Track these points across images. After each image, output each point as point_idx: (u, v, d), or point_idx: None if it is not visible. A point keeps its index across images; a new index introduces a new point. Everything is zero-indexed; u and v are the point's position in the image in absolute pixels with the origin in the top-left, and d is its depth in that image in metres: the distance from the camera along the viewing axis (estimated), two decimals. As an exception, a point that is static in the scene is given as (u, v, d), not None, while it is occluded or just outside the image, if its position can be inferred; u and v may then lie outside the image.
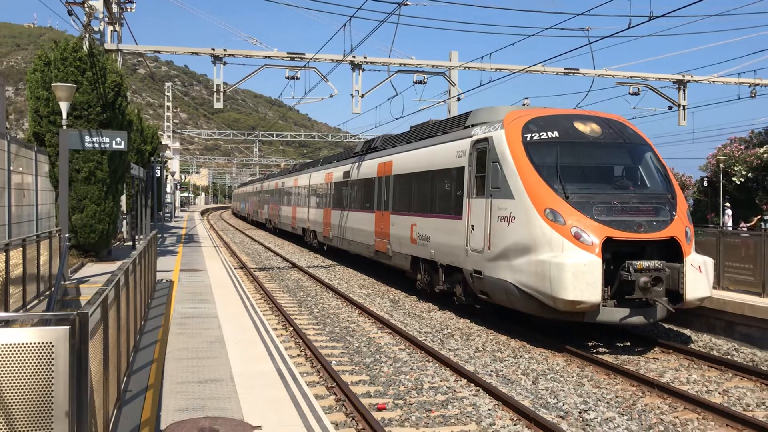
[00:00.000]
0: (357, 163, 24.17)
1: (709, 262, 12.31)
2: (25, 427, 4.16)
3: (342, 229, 25.32)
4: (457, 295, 15.19)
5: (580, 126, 13.43)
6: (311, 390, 7.89)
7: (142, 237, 27.42)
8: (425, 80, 27.36)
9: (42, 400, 4.20)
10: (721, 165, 34.03)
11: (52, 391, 4.20)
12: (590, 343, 12.72)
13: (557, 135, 13.11)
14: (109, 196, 20.55)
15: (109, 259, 21.33)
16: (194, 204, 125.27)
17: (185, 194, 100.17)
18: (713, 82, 30.16)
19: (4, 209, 14.34)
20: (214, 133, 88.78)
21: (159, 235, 28.10)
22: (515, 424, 8.24)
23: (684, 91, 30.05)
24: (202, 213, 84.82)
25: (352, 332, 13.58)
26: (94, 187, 19.94)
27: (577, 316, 11.74)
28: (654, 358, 11.88)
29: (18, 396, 4.16)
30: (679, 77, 29.92)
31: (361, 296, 18.29)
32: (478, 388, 9.68)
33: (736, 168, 34.94)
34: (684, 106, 30.04)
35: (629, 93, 29.08)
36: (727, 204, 31.94)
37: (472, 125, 15.07)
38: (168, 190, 60.81)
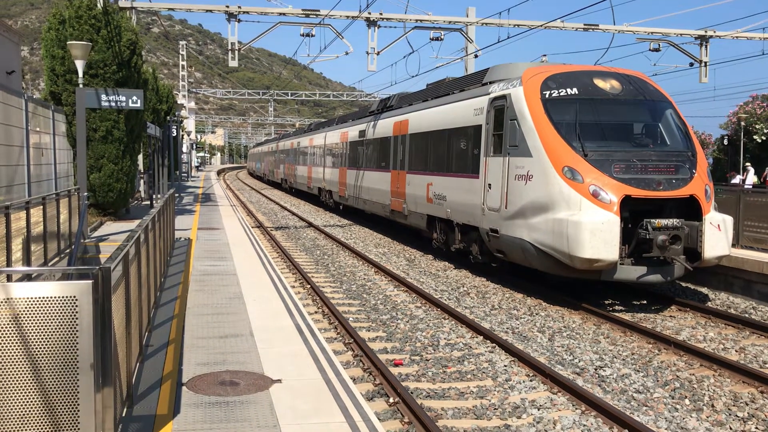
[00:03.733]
0: (372, 122, 24.03)
1: (728, 220, 12.19)
2: (52, 379, 4.26)
3: (357, 188, 25.32)
4: (473, 254, 15.21)
5: (599, 82, 13.22)
6: (329, 346, 7.99)
7: (159, 196, 27.60)
8: (442, 37, 26.98)
9: (67, 353, 4.29)
10: (743, 123, 33.50)
11: (77, 343, 4.29)
12: (606, 301, 12.74)
13: (576, 92, 12.92)
14: (126, 155, 20.64)
15: (127, 218, 21.53)
16: (210, 164, 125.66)
17: (201, 155, 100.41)
18: (736, 37, 29.48)
19: (23, 168, 14.47)
20: (229, 93, 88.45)
21: (176, 195, 28.22)
22: (531, 380, 8.32)
23: (706, 47, 29.43)
24: (218, 173, 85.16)
25: (368, 290, 13.68)
26: (112, 146, 20.02)
27: (594, 274, 11.73)
28: (670, 316, 11.88)
29: (44, 348, 4.25)
30: (702, 33, 29.26)
31: (377, 255, 18.37)
32: (494, 344, 9.75)
33: (757, 126, 34.39)
34: (706, 63, 29.47)
35: (650, 49, 28.53)
36: (748, 164, 31.51)
37: (490, 82, 14.88)
38: (184, 149, 60.97)
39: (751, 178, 29.49)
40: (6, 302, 4.18)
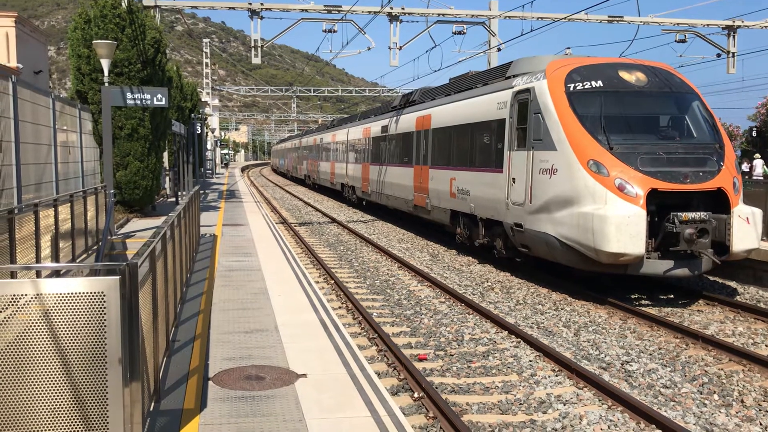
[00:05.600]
0: (395, 117, 24.01)
1: (757, 213, 12.00)
2: (81, 373, 4.32)
3: (380, 183, 25.32)
4: (497, 249, 15.14)
5: (624, 75, 13.07)
6: (353, 341, 8.00)
7: (184, 193, 27.85)
8: (464, 31, 26.85)
9: (96, 348, 4.34)
10: (772, 114, 32.87)
11: (105, 338, 4.34)
12: (633, 296, 12.61)
13: (601, 84, 12.79)
14: (152, 152, 20.83)
15: (153, 215, 21.75)
16: (234, 161, 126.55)
17: (225, 151, 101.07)
18: (765, 27, 28.94)
19: (51, 166, 14.67)
20: (252, 90, 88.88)
21: (201, 191, 28.47)
22: (556, 375, 8.27)
23: (734, 37, 28.94)
24: (242, 169, 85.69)
25: (392, 285, 13.69)
26: (137, 144, 20.22)
27: (620, 268, 11.62)
28: (698, 310, 11.73)
29: (73, 344, 4.30)
30: (729, 23, 28.78)
31: (400, 250, 18.37)
32: (519, 339, 9.70)
33: (787, 117, 33.74)
34: (733, 54, 28.98)
35: (675, 41, 28.15)
36: (758, 154, 30.84)
37: (513, 76, 14.78)
38: (208, 146, 61.43)
39: (760, 170, 28.82)
40: (36, 298, 4.25)
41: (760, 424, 6.95)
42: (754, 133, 37.15)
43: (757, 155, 30.60)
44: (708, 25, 29.02)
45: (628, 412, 7.04)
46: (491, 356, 9.06)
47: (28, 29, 34.24)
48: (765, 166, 29.33)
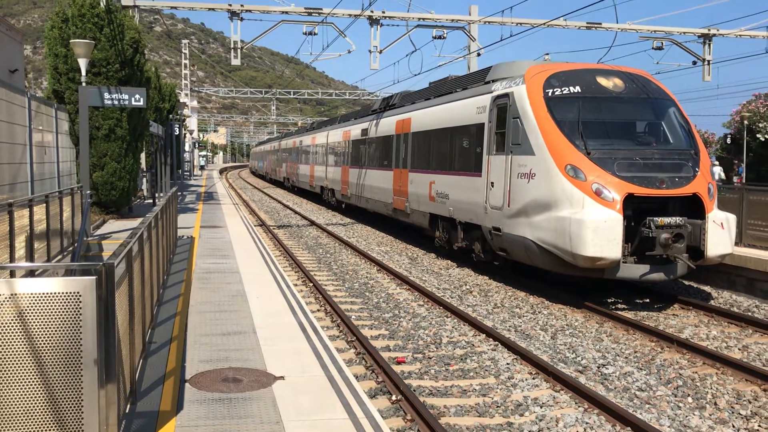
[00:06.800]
0: (375, 121, 24.03)
1: (731, 218, 12.18)
2: (56, 375, 4.27)
3: (360, 187, 25.32)
4: (476, 252, 15.21)
5: (602, 81, 13.21)
6: (332, 343, 7.99)
7: (161, 195, 27.63)
8: (444, 35, 26.99)
9: (71, 349, 4.30)
10: (746, 122, 33.43)
11: (81, 339, 4.30)
12: (609, 300, 12.73)
13: (579, 90, 12.91)
14: (129, 153, 20.65)
15: (130, 216, 21.54)
16: (212, 163, 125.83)
17: (203, 153, 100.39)
18: (740, 35, 29.45)
19: (26, 166, 14.49)
20: (231, 92, 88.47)
21: (179, 193, 28.24)
22: (534, 378, 8.32)
23: (709, 45, 29.39)
24: (221, 171, 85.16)
25: (370, 288, 13.68)
26: (114, 145, 20.02)
27: (597, 272, 11.72)
28: (673, 314, 11.87)
29: (48, 344, 4.26)
30: (705, 31, 29.23)
31: (379, 253, 18.38)
32: (496, 342, 9.75)
33: (760, 125, 34.29)
34: (709, 61, 29.43)
35: (653, 48, 28.53)
36: (716, 162, 31.03)
37: (493, 81, 14.88)
38: (186, 148, 61.00)
39: (716, 177, 29.15)
40: (10, 298, 4.19)
41: (733, 426, 7.05)
42: (728, 140, 37.71)
43: (716, 162, 30.98)
44: (684, 32, 29.45)
45: (605, 414, 7.10)
46: (469, 359, 9.09)
47: (3, 27, 33.77)
48: (722, 173, 29.74)
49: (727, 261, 12.81)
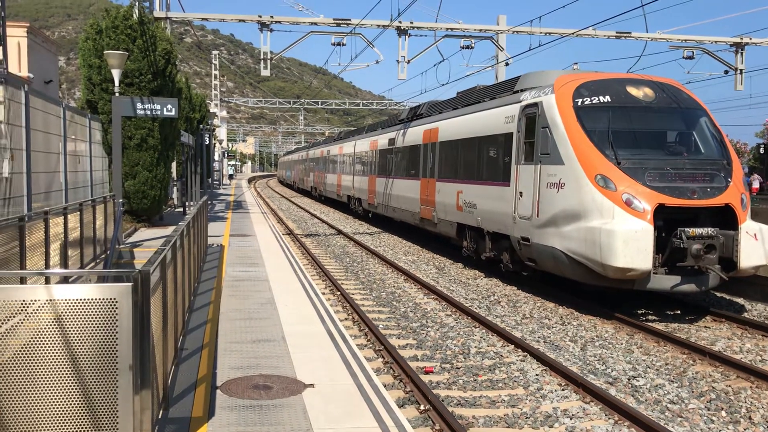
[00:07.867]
0: (402, 130, 24.09)
1: (765, 229, 11.97)
2: (92, 379, 4.34)
3: (387, 196, 25.37)
4: (504, 263, 15.13)
5: (632, 90, 13.12)
6: (360, 352, 8.01)
7: (192, 203, 27.96)
8: (472, 45, 26.96)
9: (107, 354, 4.37)
10: (779, 131, 32.85)
11: (117, 345, 4.37)
12: (640, 311, 12.58)
13: (609, 99, 12.83)
14: (161, 162, 20.95)
15: (161, 224, 21.84)
16: (241, 172, 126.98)
17: (232, 162, 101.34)
18: (773, 44, 28.96)
19: (60, 174, 14.77)
20: (260, 102, 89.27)
21: (208, 202, 28.48)
22: (563, 389, 8.25)
23: (741, 54, 28.97)
24: (249, 181, 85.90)
25: (398, 297, 13.69)
26: (146, 154, 20.34)
27: (627, 283, 11.60)
28: (705, 326, 11.69)
29: (84, 349, 4.33)
30: (737, 40, 28.81)
31: (406, 263, 18.38)
32: (525, 353, 9.69)
33: (794, 135, 33.71)
34: (741, 70, 28.99)
35: (683, 57, 28.19)
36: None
37: (521, 90, 14.84)
38: (216, 157, 61.67)
39: (756, 182, 28.74)
40: (48, 303, 4.28)
41: (768, 441, 6.93)
42: (761, 150, 37.11)
43: (754, 174, 30.55)
44: (716, 41, 29.07)
45: (635, 427, 7.02)
46: (497, 370, 9.05)
47: (39, 39, 34.55)
48: (759, 181, 29.29)
49: (760, 273, 12.59)
